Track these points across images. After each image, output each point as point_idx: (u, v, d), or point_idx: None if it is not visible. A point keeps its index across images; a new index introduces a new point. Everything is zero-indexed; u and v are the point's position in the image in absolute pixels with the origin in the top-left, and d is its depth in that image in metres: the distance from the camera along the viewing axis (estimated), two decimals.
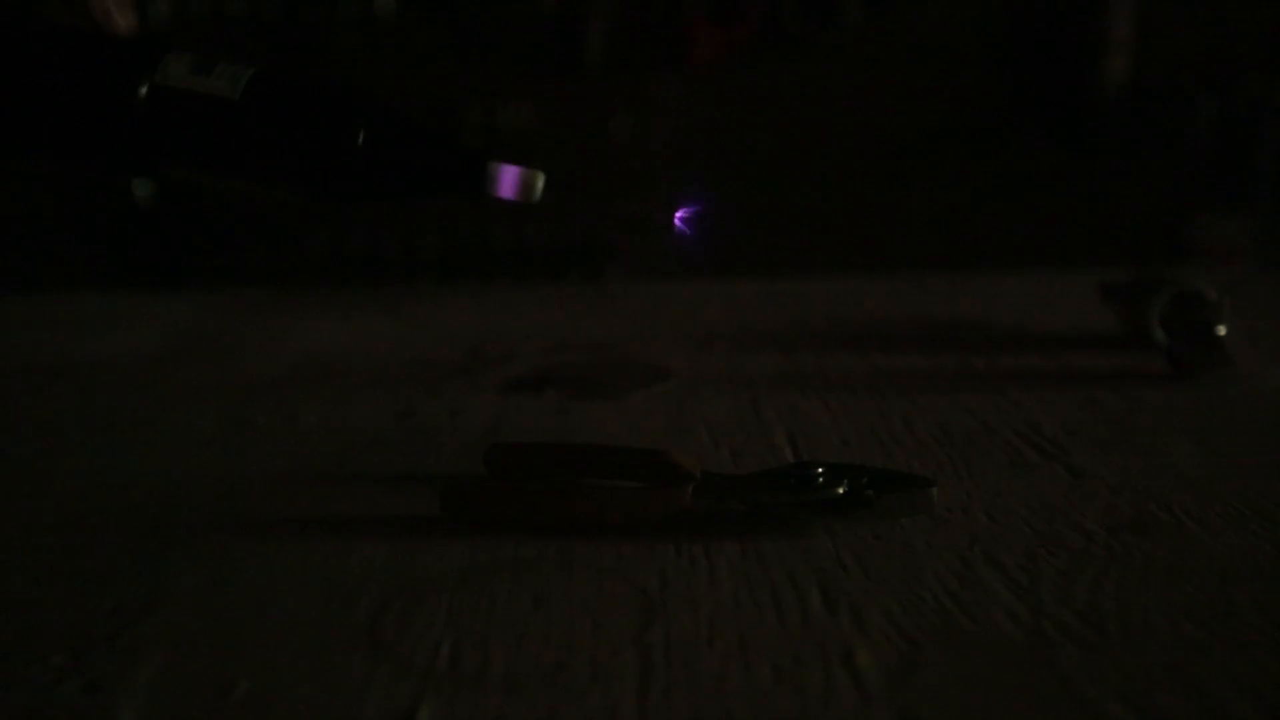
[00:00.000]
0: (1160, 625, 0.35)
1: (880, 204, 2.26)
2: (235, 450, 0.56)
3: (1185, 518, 0.44)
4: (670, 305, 0.92)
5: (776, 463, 0.50)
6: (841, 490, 0.43)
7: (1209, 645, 0.34)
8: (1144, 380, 0.63)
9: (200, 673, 0.34)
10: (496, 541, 0.42)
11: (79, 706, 0.32)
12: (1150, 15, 2.20)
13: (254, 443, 0.58)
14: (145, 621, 0.37)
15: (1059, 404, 0.60)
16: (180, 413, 0.64)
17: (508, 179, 0.45)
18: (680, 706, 0.31)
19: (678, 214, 0.48)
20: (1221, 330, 0.63)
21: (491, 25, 2.25)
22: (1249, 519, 0.44)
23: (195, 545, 0.43)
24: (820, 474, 0.43)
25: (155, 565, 0.42)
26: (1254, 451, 0.52)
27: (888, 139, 2.28)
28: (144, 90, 0.44)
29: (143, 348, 0.80)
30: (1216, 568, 0.39)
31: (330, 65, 2.20)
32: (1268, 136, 2.20)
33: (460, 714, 0.31)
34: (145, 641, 0.36)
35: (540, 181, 0.46)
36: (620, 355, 0.73)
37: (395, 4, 2.23)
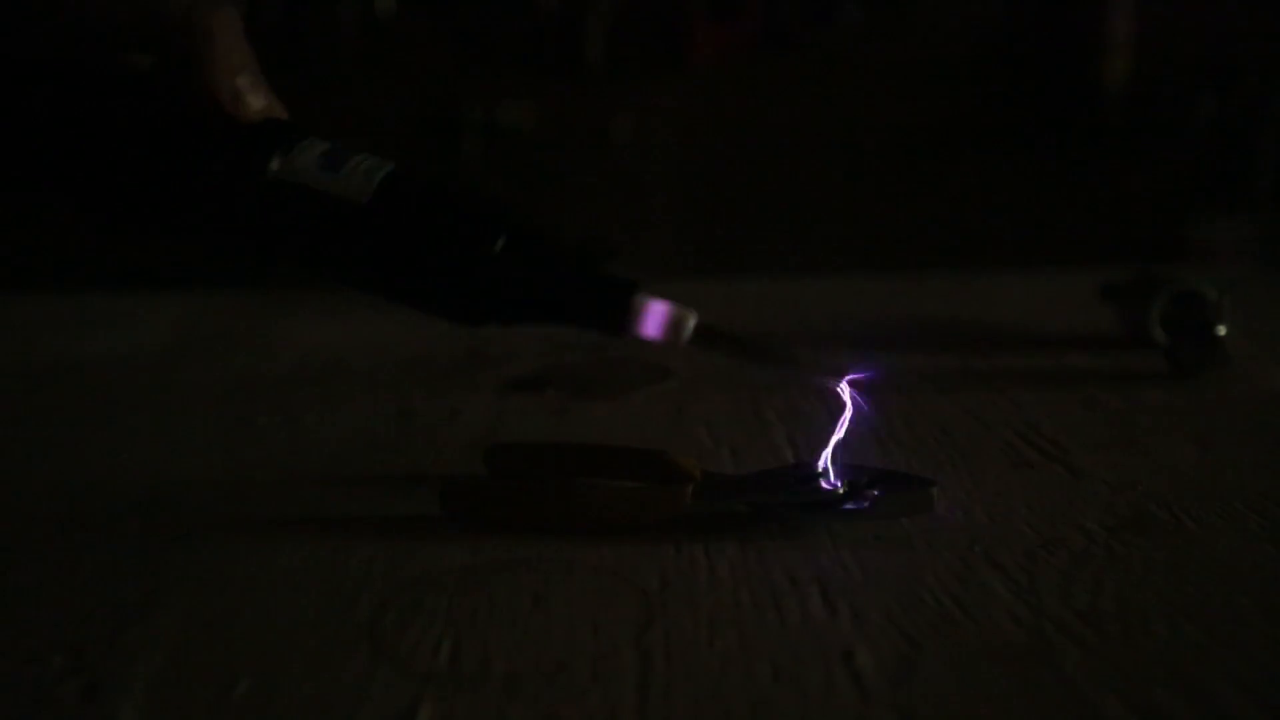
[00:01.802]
0: (1160, 625, 0.35)
1: (880, 204, 2.26)
2: (235, 450, 0.56)
3: (1185, 518, 0.44)
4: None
5: (776, 463, 0.50)
6: (841, 490, 0.43)
7: (1209, 645, 0.34)
8: (1144, 380, 0.63)
9: (200, 672, 0.34)
10: (496, 541, 0.42)
11: (79, 706, 0.32)
12: (1150, 15, 2.20)
13: (254, 443, 0.58)
14: (145, 621, 0.37)
15: (1059, 404, 0.60)
16: (180, 413, 0.64)
17: (654, 318, 0.42)
18: (680, 706, 0.31)
19: (846, 377, 0.44)
20: (1221, 330, 0.63)
21: (491, 25, 2.25)
22: (1249, 519, 0.44)
23: (195, 545, 0.43)
24: (820, 474, 0.43)
25: (155, 565, 0.42)
26: (1254, 451, 0.52)
27: (888, 139, 2.28)
28: (265, 181, 0.42)
29: (143, 348, 0.80)
30: (1216, 568, 0.39)
31: (331, 65, 2.20)
32: (1268, 136, 2.20)
33: (460, 714, 0.31)
34: (145, 641, 0.36)
35: (691, 323, 0.42)
36: (620, 355, 0.73)
37: (395, 4, 2.23)
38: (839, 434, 0.43)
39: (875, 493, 0.43)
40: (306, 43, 2.21)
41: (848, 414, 0.43)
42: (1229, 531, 0.42)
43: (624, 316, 0.42)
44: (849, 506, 0.42)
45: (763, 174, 2.28)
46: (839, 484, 0.43)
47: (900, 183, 2.28)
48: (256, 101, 0.44)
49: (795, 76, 2.27)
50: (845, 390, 0.44)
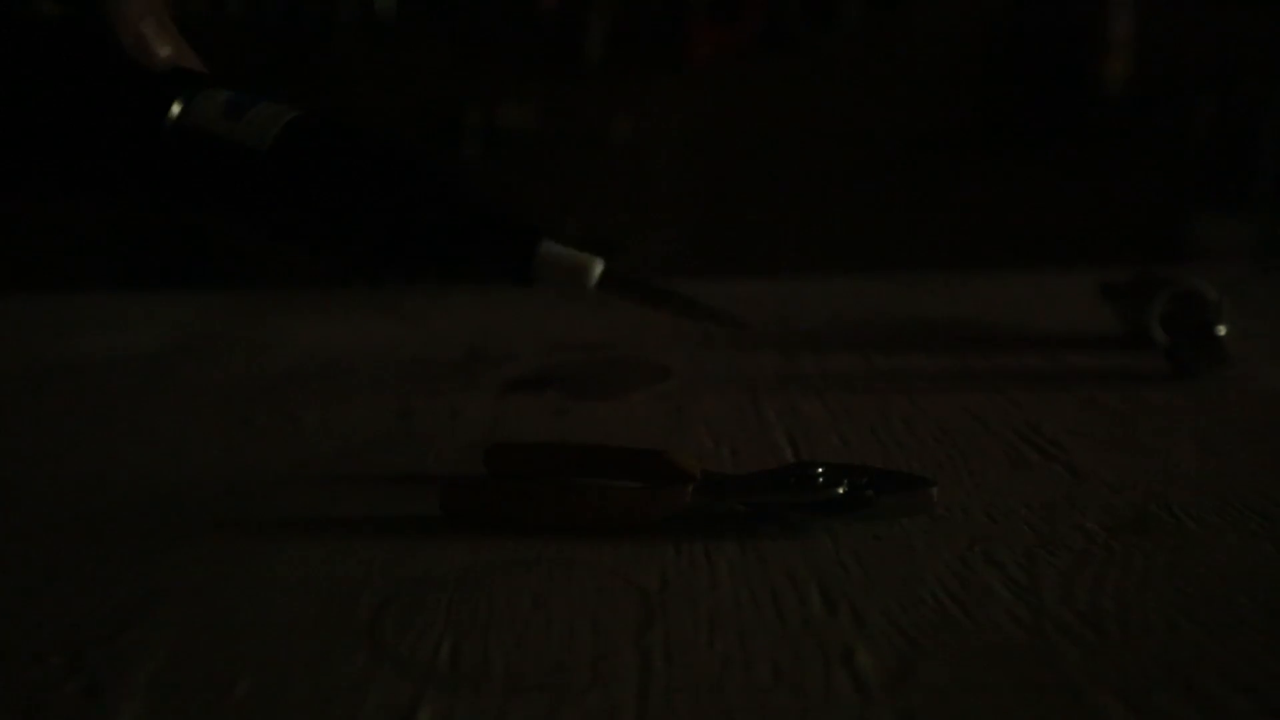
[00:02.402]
0: (1160, 625, 0.35)
1: (880, 204, 2.26)
2: (235, 450, 0.56)
3: (1185, 518, 0.44)
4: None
5: (776, 463, 0.50)
6: (841, 490, 0.43)
7: (1209, 645, 0.34)
8: (1144, 380, 0.63)
9: (200, 673, 0.34)
10: (496, 541, 0.42)
11: (79, 706, 0.32)
12: (1150, 15, 2.20)
13: (254, 443, 0.58)
14: (145, 621, 0.37)
15: (1059, 404, 0.60)
16: (180, 413, 0.64)
17: (558, 265, 0.41)
18: (680, 706, 0.31)
19: (742, 325, 0.44)
20: (1221, 330, 0.63)
21: (491, 25, 2.25)
22: (1249, 519, 0.44)
23: (195, 545, 0.43)
24: (820, 474, 0.43)
25: (155, 565, 0.42)
26: (1254, 451, 0.52)
27: (887, 139, 2.28)
28: (165, 128, 0.41)
29: (143, 348, 0.80)
30: (1216, 568, 0.39)
31: (331, 65, 2.20)
32: (1268, 136, 2.20)
33: (460, 714, 0.31)
34: (145, 641, 0.36)
35: (597, 269, 0.41)
36: (620, 355, 0.73)
37: (395, 4, 2.24)
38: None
39: (875, 493, 0.42)
40: (306, 43, 2.21)
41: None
42: (1229, 531, 0.42)
43: (527, 263, 0.41)
44: (849, 507, 0.42)
45: (763, 174, 2.28)
46: (839, 484, 0.43)
47: (900, 183, 2.28)
48: (163, 48, 0.44)
49: (795, 77, 2.27)
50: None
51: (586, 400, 0.63)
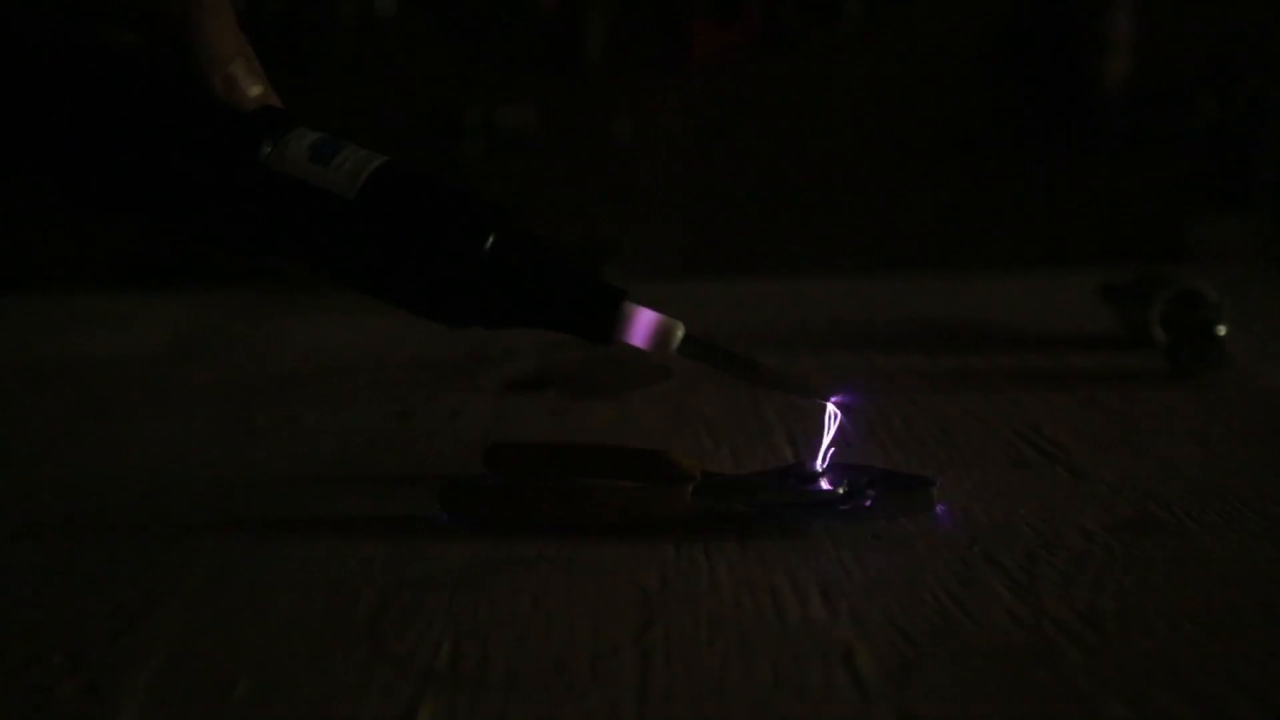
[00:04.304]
0: (1160, 625, 0.35)
1: (880, 204, 2.26)
2: (235, 450, 0.56)
3: (1185, 518, 0.44)
4: (670, 305, 0.92)
5: (776, 463, 0.50)
6: (841, 490, 0.43)
7: (1209, 645, 0.34)
8: (1144, 380, 0.63)
9: (200, 673, 0.34)
10: (496, 541, 0.42)
11: (79, 706, 0.32)
12: (1150, 15, 2.20)
13: (254, 443, 0.58)
14: (145, 621, 0.37)
15: (1059, 404, 0.60)
16: (180, 413, 0.64)
17: (642, 327, 0.41)
18: (680, 706, 0.31)
19: (832, 398, 0.43)
20: (1221, 330, 0.63)
21: (491, 25, 2.25)
22: (1249, 519, 0.44)
23: (195, 545, 0.43)
24: (820, 474, 0.43)
25: (155, 565, 0.42)
26: (1254, 451, 0.52)
27: (887, 139, 2.28)
28: (255, 169, 0.40)
29: (143, 348, 0.80)
30: (1216, 568, 0.39)
31: (331, 65, 2.20)
32: (1268, 136, 2.20)
33: (460, 714, 0.31)
34: (145, 641, 0.36)
35: (679, 334, 0.41)
36: (620, 355, 0.73)
37: (395, 4, 2.23)
38: (826, 451, 0.43)
39: (875, 493, 0.42)
40: (306, 43, 2.21)
41: (833, 433, 0.43)
42: (1229, 531, 0.42)
43: (611, 324, 0.41)
44: (849, 506, 0.42)
45: (763, 174, 2.28)
46: (839, 484, 0.43)
47: (900, 183, 2.28)
48: (252, 89, 0.43)
49: (795, 77, 2.27)
50: (831, 411, 0.44)
51: (586, 400, 0.63)
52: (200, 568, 0.41)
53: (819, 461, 0.44)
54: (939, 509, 0.43)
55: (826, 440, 0.43)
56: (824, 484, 0.43)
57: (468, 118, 2.26)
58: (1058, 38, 2.24)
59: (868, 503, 0.42)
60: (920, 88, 2.27)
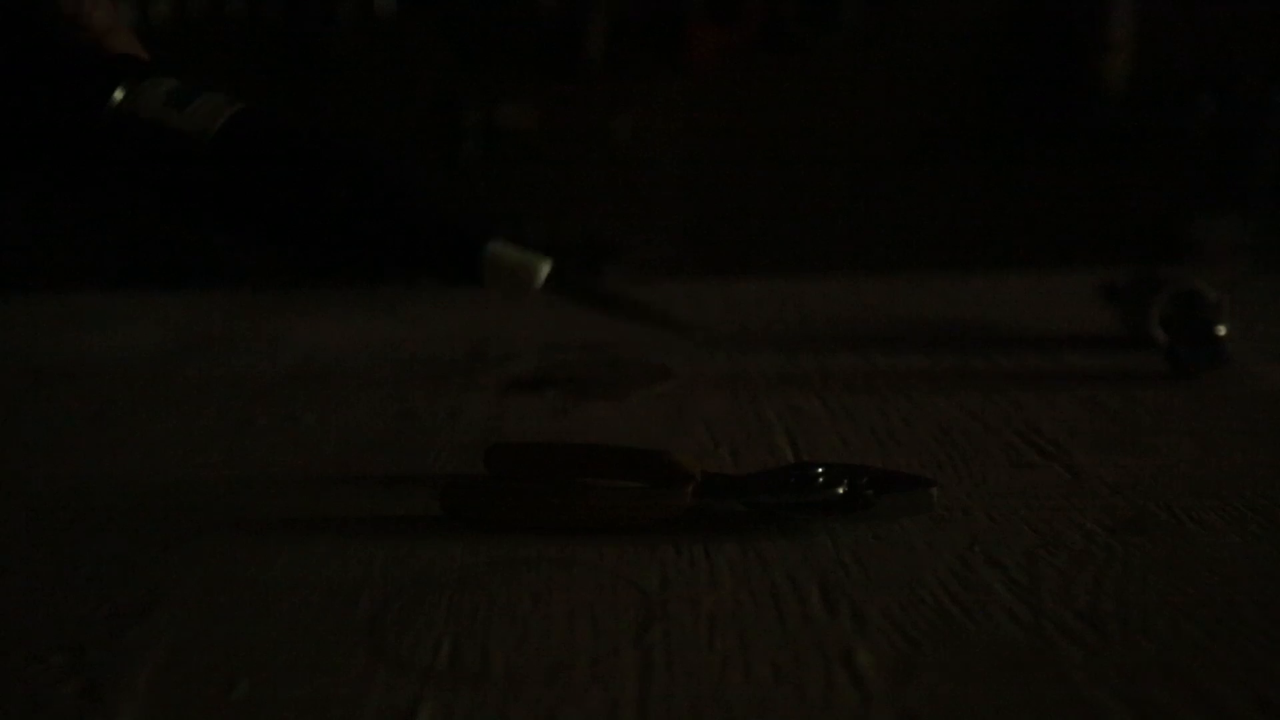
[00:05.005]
0: (1160, 625, 0.35)
1: (880, 204, 2.26)
2: (235, 450, 0.56)
3: (1185, 518, 0.44)
4: (670, 305, 0.92)
5: (776, 463, 0.50)
6: (841, 490, 0.43)
7: (1209, 645, 0.34)
8: (1144, 380, 0.63)
9: (200, 673, 0.34)
10: (496, 541, 0.42)
11: (79, 706, 0.32)
12: (1150, 15, 2.20)
13: (254, 443, 0.58)
14: (145, 621, 0.37)
15: (1059, 404, 0.60)
16: (180, 413, 0.64)
17: (505, 265, 0.41)
18: (680, 706, 0.31)
19: (693, 333, 0.44)
20: (1221, 330, 0.63)
21: (491, 25, 2.25)
22: (1249, 519, 0.44)
23: (195, 545, 0.43)
24: (820, 474, 0.43)
25: (155, 565, 0.42)
26: (1254, 451, 0.52)
27: (887, 139, 2.28)
28: (107, 113, 0.40)
29: (143, 348, 0.80)
30: (1216, 568, 0.39)
31: (331, 65, 2.20)
32: (1268, 136, 2.20)
33: (460, 714, 0.31)
34: (145, 641, 0.36)
35: (543, 270, 0.41)
36: (620, 355, 0.73)
37: (395, 4, 2.24)
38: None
39: (875, 493, 0.42)
40: (306, 43, 2.21)
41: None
42: (1229, 531, 0.42)
43: (473, 262, 0.41)
44: (849, 507, 0.42)
45: (763, 174, 2.28)
46: (839, 484, 0.43)
47: (900, 183, 2.28)
48: (114, 40, 0.43)
49: (795, 77, 2.27)
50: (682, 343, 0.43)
51: (586, 400, 0.63)
52: (200, 568, 0.41)
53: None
54: (939, 509, 0.43)
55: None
56: (824, 484, 0.43)
57: (468, 118, 2.26)
58: (1058, 38, 2.24)
59: (868, 503, 0.42)
60: (920, 88, 2.27)
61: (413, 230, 0.41)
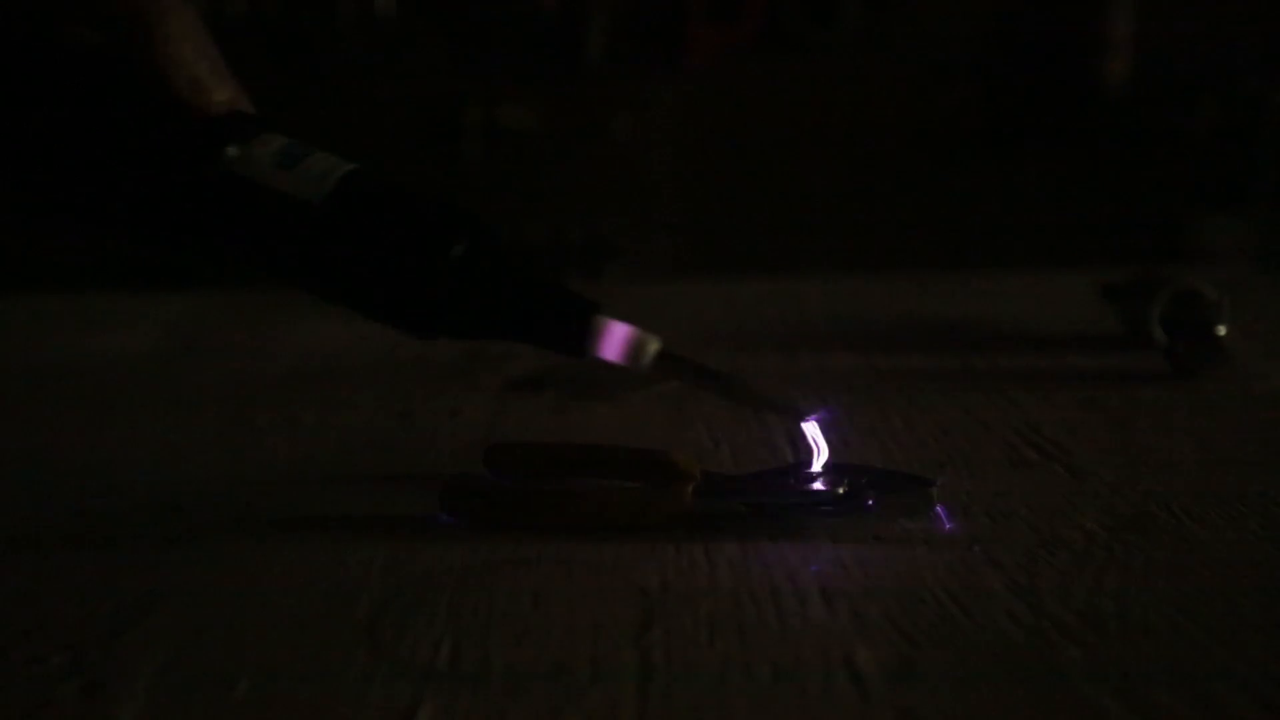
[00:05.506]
0: (1160, 625, 0.35)
1: (880, 204, 2.26)
2: (235, 450, 0.56)
3: (1185, 518, 0.44)
4: (670, 305, 0.92)
5: (776, 463, 0.50)
6: (841, 490, 0.43)
7: (1209, 645, 0.34)
8: (1144, 380, 0.63)
9: (200, 672, 0.34)
10: (496, 541, 0.42)
11: (79, 706, 0.32)
12: (1150, 15, 2.20)
13: (254, 443, 0.58)
14: (145, 621, 0.37)
15: (1059, 404, 0.60)
16: (180, 413, 0.64)
17: (614, 341, 0.41)
18: (680, 706, 0.31)
19: (806, 416, 0.43)
20: (1221, 330, 0.63)
21: (491, 25, 2.25)
22: (1249, 519, 0.44)
23: (195, 545, 0.43)
24: (820, 474, 0.43)
25: (155, 565, 0.42)
26: (1254, 451, 0.52)
27: (887, 139, 2.28)
28: (218, 173, 0.40)
29: (143, 348, 0.80)
30: (1216, 567, 0.39)
31: (331, 65, 2.20)
32: (1268, 136, 2.20)
33: (460, 714, 0.31)
34: (145, 641, 0.36)
35: (652, 349, 0.41)
36: None
37: (395, 4, 2.23)
38: (810, 465, 0.44)
39: (875, 493, 0.42)
40: (306, 43, 2.21)
41: (813, 451, 0.44)
42: (1229, 531, 0.42)
43: (583, 337, 0.41)
44: (849, 506, 0.42)
45: (762, 174, 2.28)
46: (839, 484, 0.43)
47: (900, 183, 2.28)
48: (218, 92, 0.42)
49: (795, 77, 2.27)
50: (807, 429, 0.44)
51: (586, 400, 0.63)
52: (200, 568, 0.41)
53: (811, 467, 0.44)
54: (939, 509, 0.43)
55: (808, 458, 0.44)
56: (824, 484, 0.43)
57: (468, 118, 2.26)
58: (1058, 38, 2.24)
59: (868, 503, 0.42)
60: (920, 87, 2.27)
61: (523, 301, 0.41)
